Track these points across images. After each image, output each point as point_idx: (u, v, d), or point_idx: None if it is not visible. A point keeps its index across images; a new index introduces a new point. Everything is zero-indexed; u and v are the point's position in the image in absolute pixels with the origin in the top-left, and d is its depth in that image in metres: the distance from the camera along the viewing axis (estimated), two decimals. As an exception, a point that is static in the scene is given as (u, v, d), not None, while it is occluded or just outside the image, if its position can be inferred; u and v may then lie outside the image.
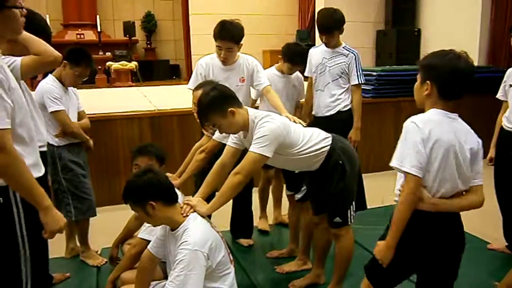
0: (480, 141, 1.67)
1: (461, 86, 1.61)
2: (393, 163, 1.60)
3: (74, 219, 2.82)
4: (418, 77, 1.68)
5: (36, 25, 2.07)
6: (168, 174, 2.46)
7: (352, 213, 2.27)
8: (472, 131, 1.67)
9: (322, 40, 3.23)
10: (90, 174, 3.02)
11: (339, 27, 3.18)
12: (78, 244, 3.02)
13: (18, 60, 1.86)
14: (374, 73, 5.13)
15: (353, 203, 2.28)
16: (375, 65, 7.64)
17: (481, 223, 3.44)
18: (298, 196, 2.69)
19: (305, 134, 2.18)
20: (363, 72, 5.25)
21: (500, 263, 2.86)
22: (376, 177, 4.59)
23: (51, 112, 2.67)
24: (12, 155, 1.41)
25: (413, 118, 1.61)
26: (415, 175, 1.55)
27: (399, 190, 1.63)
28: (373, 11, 7.78)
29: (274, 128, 2.03)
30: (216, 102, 2.05)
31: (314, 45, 3.38)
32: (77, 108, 2.96)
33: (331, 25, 3.16)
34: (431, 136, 1.56)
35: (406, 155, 1.57)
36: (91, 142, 2.96)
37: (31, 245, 1.62)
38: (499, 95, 3.00)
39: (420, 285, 1.77)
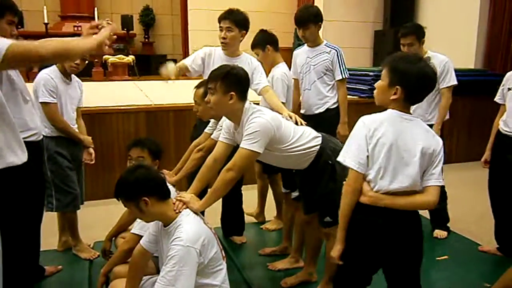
0: (440, 144, 1.68)
1: (427, 92, 1.69)
2: (339, 157, 1.71)
3: (55, 211, 2.79)
4: (385, 77, 1.68)
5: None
6: (164, 171, 2.47)
7: None
8: (433, 133, 1.71)
9: (300, 36, 3.25)
10: (84, 168, 3.00)
11: (315, 20, 3.17)
12: (69, 237, 3.01)
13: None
14: (371, 73, 5.14)
15: None
16: (372, 65, 7.67)
17: (475, 225, 3.47)
18: (294, 194, 2.70)
19: (296, 131, 2.19)
20: (360, 71, 5.26)
21: (491, 265, 2.88)
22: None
23: (40, 103, 2.66)
24: None
25: (364, 116, 1.70)
26: (354, 170, 1.66)
27: None
28: (371, 12, 7.80)
29: (264, 123, 2.03)
30: (230, 80, 2.05)
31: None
32: (78, 102, 2.93)
33: (305, 17, 3.16)
34: (375, 133, 1.64)
35: (349, 150, 1.68)
36: (88, 140, 2.93)
37: (4, 235, 1.58)
38: (497, 99, 3.01)
39: (386, 278, 1.81)
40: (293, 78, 3.39)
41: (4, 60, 1.43)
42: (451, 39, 6.19)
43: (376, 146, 1.63)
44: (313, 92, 3.30)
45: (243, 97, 2.11)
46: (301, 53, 3.37)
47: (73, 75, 2.85)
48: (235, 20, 2.86)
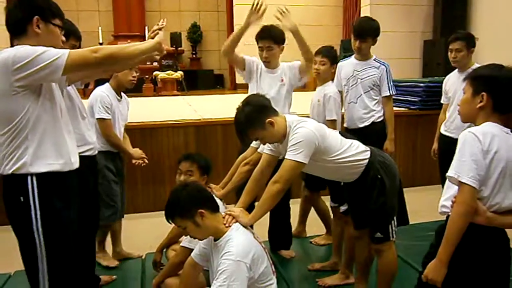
0: None
1: None
2: (450, 173, 1.55)
3: None
4: (468, 90, 1.63)
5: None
6: (211, 185, 2.51)
7: (393, 228, 2.22)
8: None
9: (354, 46, 3.21)
10: (124, 182, 3.09)
11: (374, 34, 3.16)
12: (123, 247, 3.12)
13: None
14: (422, 84, 4.99)
15: (395, 218, 2.23)
16: (421, 76, 7.45)
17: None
18: (342, 208, 2.65)
19: (344, 143, 2.16)
20: (410, 82, 5.13)
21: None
22: (422, 191, 4.45)
23: (97, 119, 2.80)
24: None
25: (471, 129, 1.56)
26: (471, 186, 1.50)
27: (452, 201, 1.56)
28: (420, 21, 7.62)
29: (308, 133, 2.02)
30: (254, 117, 2.05)
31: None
32: (126, 119, 3.05)
33: (366, 30, 3.15)
34: (491, 147, 1.51)
35: (464, 165, 1.51)
36: (137, 153, 3.02)
37: (48, 244, 1.69)
38: None
39: None
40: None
41: (66, 67, 1.61)
42: (506, 47, 5.91)
43: (492, 161, 1.52)
44: (359, 105, 3.25)
45: (275, 112, 2.12)
46: (347, 65, 3.33)
47: (122, 93, 2.97)
48: (274, 38, 2.91)
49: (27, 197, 1.66)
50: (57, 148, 1.73)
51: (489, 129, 1.55)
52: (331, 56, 3.12)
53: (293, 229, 3.38)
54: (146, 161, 3.07)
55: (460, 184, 1.52)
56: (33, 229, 1.67)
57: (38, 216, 1.67)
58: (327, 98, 3.09)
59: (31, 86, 1.64)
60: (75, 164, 1.82)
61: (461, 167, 1.52)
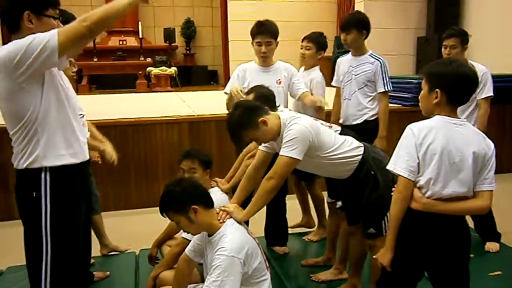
0: (491, 147, 1.69)
1: (469, 91, 1.69)
2: (388, 166, 1.71)
3: None
4: (424, 85, 1.73)
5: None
6: (216, 179, 2.51)
7: (387, 223, 2.23)
8: (483, 136, 1.71)
9: (342, 40, 3.23)
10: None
11: (358, 26, 3.10)
12: (110, 240, 3.10)
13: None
14: (415, 81, 5.02)
15: (388, 213, 2.23)
16: (415, 72, 7.49)
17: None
18: (339, 204, 2.66)
19: (337, 139, 2.17)
20: (403, 79, 5.15)
21: None
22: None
23: None
24: None
25: (411, 124, 1.70)
26: (404, 176, 1.66)
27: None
28: (413, 18, 7.65)
29: (302, 129, 2.02)
30: (245, 119, 2.03)
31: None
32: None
33: (348, 21, 3.15)
34: (425, 141, 1.64)
35: (398, 158, 1.68)
36: (91, 154, 2.85)
37: (54, 241, 1.71)
38: None
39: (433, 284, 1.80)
40: (335, 87, 3.38)
41: (60, 46, 1.57)
42: (499, 44, 5.96)
43: (426, 152, 1.64)
44: (353, 103, 3.23)
45: (266, 110, 2.09)
46: (344, 61, 3.32)
47: None
48: (273, 33, 2.93)
49: (39, 193, 1.69)
50: (67, 137, 1.75)
51: (430, 123, 1.68)
52: (317, 42, 3.17)
53: (294, 222, 3.40)
54: (100, 161, 2.87)
55: (397, 175, 1.68)
56: (41, 225, 1.70)
57: (48, 213, 1.70)
58: (314, 83, 3.15)
59: (33, 78, 1.64)
60: (86, 152, 1.85)
61: (397, 160, 1.69)
